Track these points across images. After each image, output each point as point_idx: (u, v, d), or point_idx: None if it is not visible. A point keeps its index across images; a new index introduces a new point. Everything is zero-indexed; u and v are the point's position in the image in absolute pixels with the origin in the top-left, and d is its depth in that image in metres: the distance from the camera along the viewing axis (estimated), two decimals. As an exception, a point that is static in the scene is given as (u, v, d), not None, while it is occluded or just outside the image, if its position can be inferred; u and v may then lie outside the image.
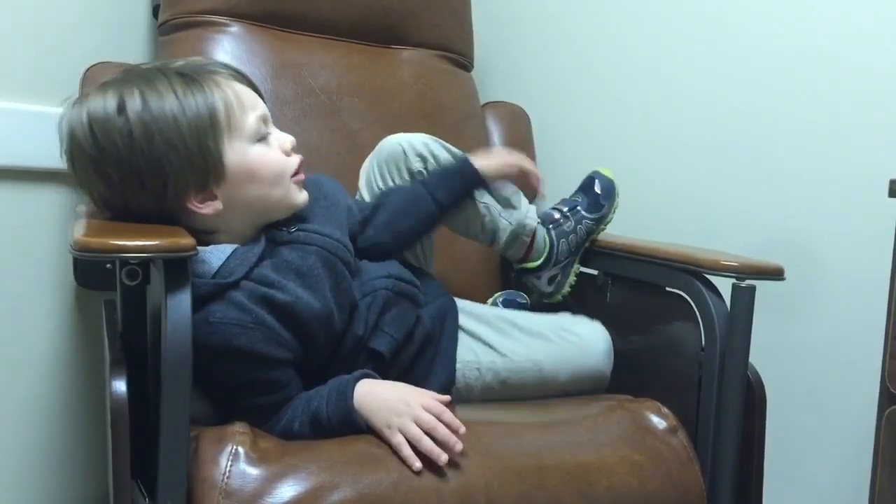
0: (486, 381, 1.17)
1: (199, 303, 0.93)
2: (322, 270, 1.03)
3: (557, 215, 1.30)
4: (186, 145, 0.96)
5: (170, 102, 0.96)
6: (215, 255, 0.98)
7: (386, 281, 1.11)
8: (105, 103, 0.97)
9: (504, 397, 1.18)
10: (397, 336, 1.09)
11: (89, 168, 0.98)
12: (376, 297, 1.09)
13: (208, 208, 1.00)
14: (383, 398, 0.98)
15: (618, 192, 1.31)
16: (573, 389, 1.20)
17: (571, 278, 1.32)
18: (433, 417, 0.96)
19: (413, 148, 1.23)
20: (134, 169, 0.96)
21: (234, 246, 1.01)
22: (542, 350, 1.19)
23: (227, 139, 0.99)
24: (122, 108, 0.96)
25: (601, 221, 1.31)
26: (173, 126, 0.96)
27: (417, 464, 0.93)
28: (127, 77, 1.01)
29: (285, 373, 1.00)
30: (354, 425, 0.97)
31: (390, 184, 1.23)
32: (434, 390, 1.02)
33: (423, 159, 1.23)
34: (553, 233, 1.28)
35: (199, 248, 0.95)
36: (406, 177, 1.23)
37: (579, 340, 1.21)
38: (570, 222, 1.29)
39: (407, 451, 0.94)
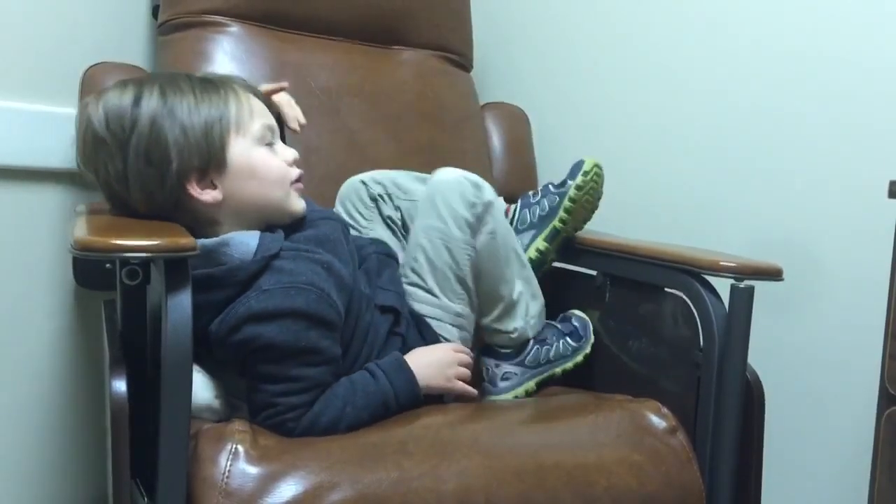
0: (423, 277, 1.18)
1: (251, 280, 1.00)
2: (337, 234, 1.12)
3: (531, 192, 1.34)
4: (195, 132, 1.02)
5: (188, 97, 1.04)
6: (250, 237, 1.04)
7: (374, 246, 1.22)
8: (122, 95, 1.03)
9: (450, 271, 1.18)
10: (399, 290, 1.17)
11: (99, 151, 1.02)
12: (370, 261, 1.19)
13: (207, 196, 1.04)
14: (429, 362, 1.12)
15: (585, 171, 1.31)
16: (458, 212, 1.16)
17: (532, 252, 1.32)
18: (464, 358, 1.16)
19: (371, 178, 1.33)
20: (141, 149, 1.01)
21: (259, 232, 1.06)
22: (418, 220, 1.20)
23: (232, 134, 1.05)
24: (137, 100, 1.02)
25: (563, 196, 1.31)
26: (186, 115, 1.02)
27: (475, 391, 1.17)
28: (151, 77, 1.08)
29: (333, 345, 1.03)
30: (416, 398, 1.08)
31: (354, 214, 1.31)
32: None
33: (383, 185, 1.32)
34: (519, 203, 1.34)
35: (232, 233, 1.04)
36: (369, 203, 1.32)
37: (431, 183, 1.19)
38: (537, 196, 1.33)
39: (471, 390, 1.16)
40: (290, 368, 0.99)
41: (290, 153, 1.12)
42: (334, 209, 1.33)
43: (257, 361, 0.99)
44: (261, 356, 0.99)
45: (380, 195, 1.32)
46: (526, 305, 1.26)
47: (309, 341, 0.99)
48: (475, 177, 1.18)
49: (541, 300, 1.29)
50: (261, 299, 0.98)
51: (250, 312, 0.98)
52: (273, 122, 1.11)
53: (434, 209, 1.17)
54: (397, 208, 1.33)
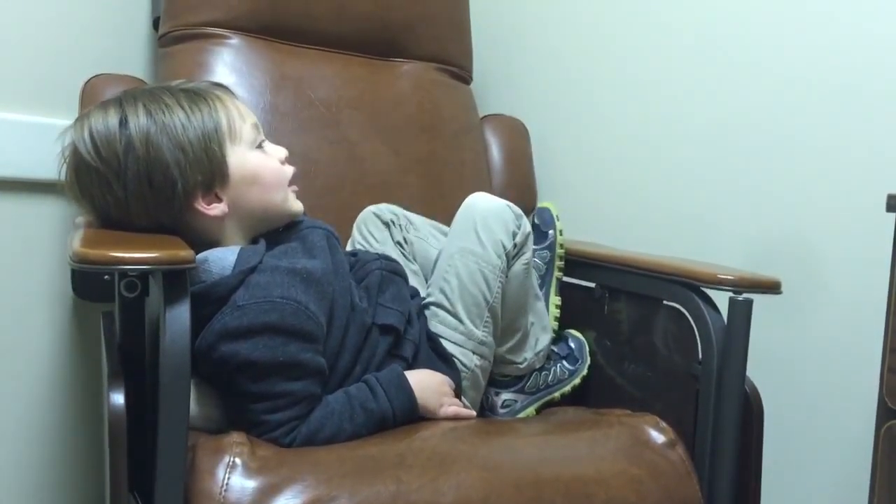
0: (451, 300, 1.16)
1: (230, 296, 0.99)
2: (323, 242, 1.11)
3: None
4: (193, 149, 1.01)
5: (177, 112, 1.02)
6: (230, 252, 1.03)
7: (378, 262, 1.19)
8: (107, 118, 1.01)
9: (478, 299, 1.15)
10: (402, 309, 1.14)
11: (94, 181, 1.01)
12: (372, 277, 1.16)
13: (215, 210, 1.04)
14: (428, 385, 1.10)
15: (556, 216, 1.34)
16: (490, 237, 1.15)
17: (553, 309, 1.32)
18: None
19: (385, 207, 1.34)
20: (142, 174, 1.00)
21: (240, 246, 1.06)
22: (453, 242, 1.18)
23: (229, 145, 1.05)
24: (124, 121, 1.00)
25: (553, 248, 1.32)
26: (181, 132, 1.01)
27: (473, 412, 1.15)
28: (129, 95, 1.05)
29: (315, 357, 1.01)
30: (413, 414, 1.07)
31: (368, 237, 1.32)
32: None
33: (394, 214, 1.34)
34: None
35: (211, 249, 1.03)
36: (381, 226, 1.33)
37: (469, 206, 1.19)
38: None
39: (465, 411, 1.13)
40: (273, 385, 0.98)
41: (282, 152, 1.12)
42: (352, 235, 1.34)
43: (239, 380, 0.98)
44: (242, 374, 0.97)
45: (391, 221, 1.33)
46: (536, 337, 1.25)
47: (288, 356, 0.98)
48: (515, 207, 1.19)
49: (549, 333, 1.29)
50: (235, 316, 0.97)
51: (225, 329, 0.97)
52: (257, 121, 1.11)
53: (474, 233, 1.15)
54: (406, 239, 1.34)
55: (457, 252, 1.16)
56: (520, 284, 1.19)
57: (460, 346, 1.16)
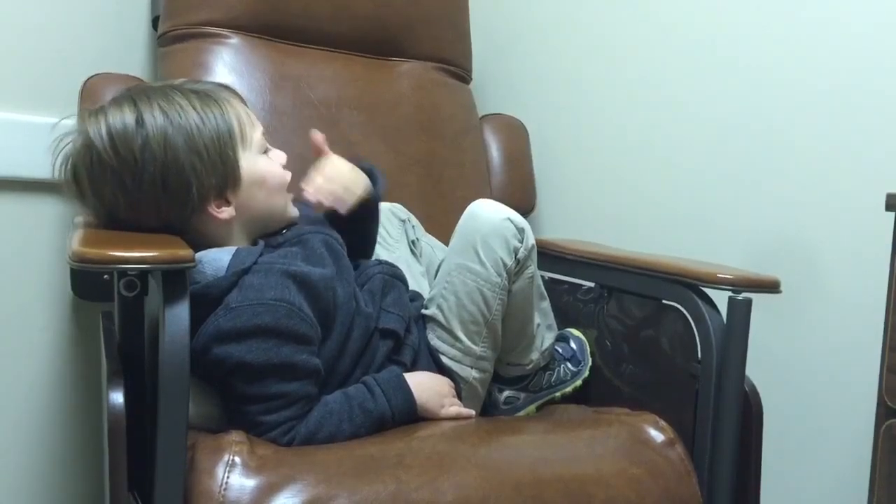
0: (447, 317, 1.15)
1: (223, 297, 0.99)
2: (323, 249, 1.10)
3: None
4: (209, 153, 1.02)
5: (191, 115, 1.02)
6: (225, 253, 1.04)
7: (380, 267, 1.19)
8: (123, 116, 1.01)
9: (477, 314, 1.14)
10: (403, 314, 1.14)
11: (108, 179, 1.00)
12: (375, 281, 1.16)
13: (224, 213, 1.05)
14: (429, 387, 1.10)
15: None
16: (488, 251, 1.12)
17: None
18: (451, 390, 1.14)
19: (397, 206, 1.38)
20: (157, 176, 1.00)
21: (236, 247, 1.06)
22: (452, 256, 1.16)
23: (241, 149, 1.06)
24: (140, 120, 1.00)
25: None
26: (197, 135, 1.01)
27: (473, 412, 1.15)
28: (141, 93, 1.04)
29: (310, 358, 1.01)
30: (413, 415, 1.07)
31: (382, 232, 1.32)
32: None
33: (408, 215, 1.38)
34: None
35: (206, 250, 1.03)
36: (397, 223, 1.36)
37: (470, 218, 1.15)
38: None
39: (466, 411, 1.13)
40: (269, 386, 0.98)
41: (284, 156, 1.13)
42: None
43: (234, 382, 0.98)
44: (236, 376, 0.97)
45: (408, 219, 1.36)
46: (542, 337, 1.24)
47: (282, 357, 0.98)
48: (519, 218, 1.14)
49: (555, 331, 1.28)
50: (228, 318, 0.97)
51: (218, 332, 0.97)
52: (261, 127, 1.11)
53: (473, 250, 1.13)
54: (418, 238, 1.36)
55: (455, 268, 1.14)
56: (524, 298, 1.17)
57: (458, 361, 1.15)
